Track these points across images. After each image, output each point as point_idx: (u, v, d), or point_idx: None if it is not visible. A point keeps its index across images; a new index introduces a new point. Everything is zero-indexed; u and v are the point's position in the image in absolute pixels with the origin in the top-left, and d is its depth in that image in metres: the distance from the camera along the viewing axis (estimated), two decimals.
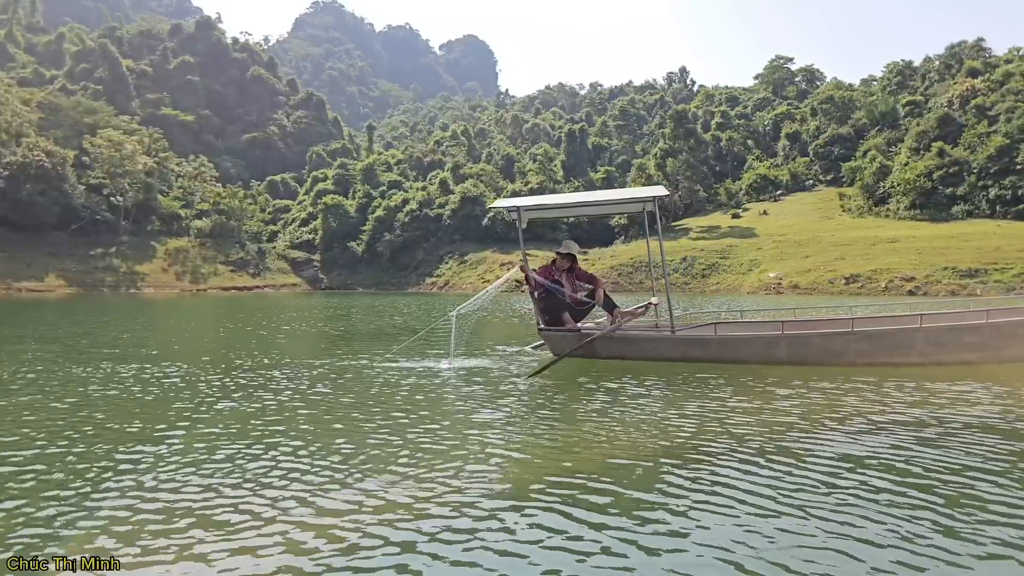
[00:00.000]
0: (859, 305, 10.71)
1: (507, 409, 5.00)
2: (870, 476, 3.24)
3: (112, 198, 68.17)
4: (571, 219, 72.76)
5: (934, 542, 2.48)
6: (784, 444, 3.86)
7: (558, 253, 7.72)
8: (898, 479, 3.19)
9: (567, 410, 5.00)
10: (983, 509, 2.79)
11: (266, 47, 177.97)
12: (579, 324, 7.64)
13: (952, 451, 3.70)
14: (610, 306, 7.70)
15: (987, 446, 3.79)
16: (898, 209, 57.73)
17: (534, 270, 7.60)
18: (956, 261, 38.82)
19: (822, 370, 6.52)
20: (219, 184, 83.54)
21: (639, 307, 7.68)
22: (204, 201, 78.78)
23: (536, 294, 7.60)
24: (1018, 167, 51.37)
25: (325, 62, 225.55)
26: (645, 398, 5.39)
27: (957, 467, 3.39)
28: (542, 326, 7.62)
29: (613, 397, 5.43)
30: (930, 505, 2.85)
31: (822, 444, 3.87)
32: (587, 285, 7.88)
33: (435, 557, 2.40)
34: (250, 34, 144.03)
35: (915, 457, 3.56)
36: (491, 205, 8.98)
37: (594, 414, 4.79)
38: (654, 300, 7.10)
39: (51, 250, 61.69)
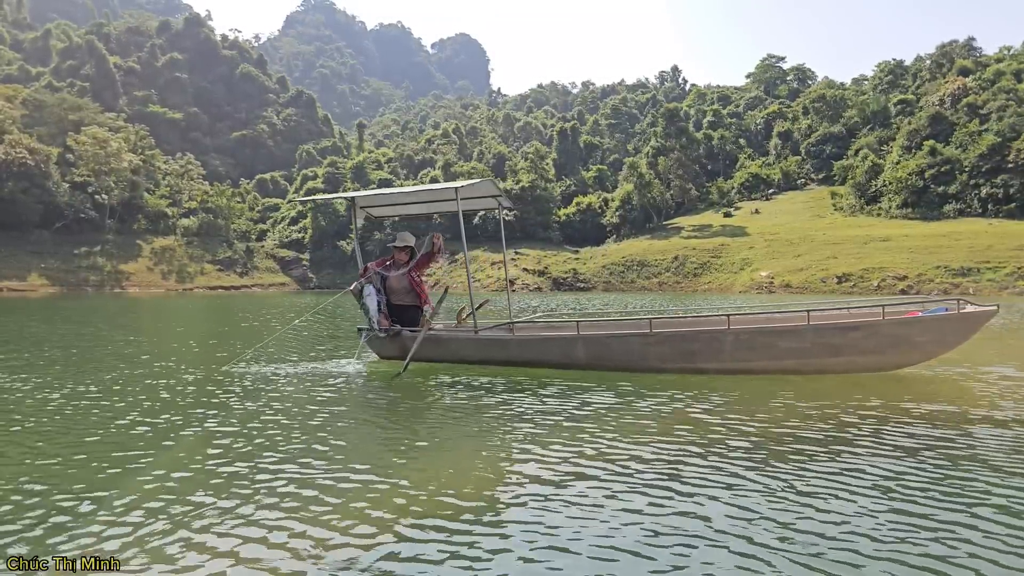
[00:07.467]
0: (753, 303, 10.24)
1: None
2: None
3: (97, 196, 67.11)
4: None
5: None
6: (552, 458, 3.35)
7: (394, 247, 7.49)
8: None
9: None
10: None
11: (256, 45, 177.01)
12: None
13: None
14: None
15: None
16: (890, 208, 57.62)
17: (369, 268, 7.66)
18: (948, 260, 38.63)
19: (617, 375, 6.13)
20: (207, 182, 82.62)
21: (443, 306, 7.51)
22: (191, 199, 77.79)
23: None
24: (1009, 165, 51.32)
25: (316, 60, 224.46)
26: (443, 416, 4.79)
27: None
28: (362, 327, 7.46)
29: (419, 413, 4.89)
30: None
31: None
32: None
33: None
34: (240, 31, 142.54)
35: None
36: (293, 198, 8.67)
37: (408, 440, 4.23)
38: (485, 301, 6.81)
39: (34, 249, 60.68)
